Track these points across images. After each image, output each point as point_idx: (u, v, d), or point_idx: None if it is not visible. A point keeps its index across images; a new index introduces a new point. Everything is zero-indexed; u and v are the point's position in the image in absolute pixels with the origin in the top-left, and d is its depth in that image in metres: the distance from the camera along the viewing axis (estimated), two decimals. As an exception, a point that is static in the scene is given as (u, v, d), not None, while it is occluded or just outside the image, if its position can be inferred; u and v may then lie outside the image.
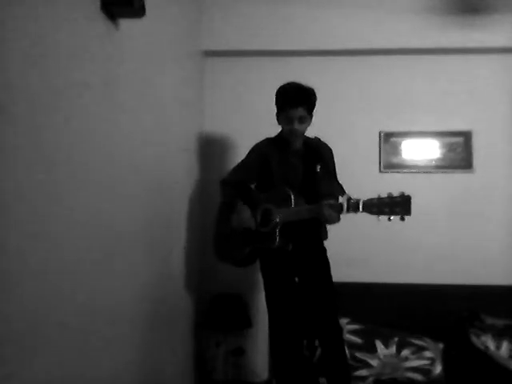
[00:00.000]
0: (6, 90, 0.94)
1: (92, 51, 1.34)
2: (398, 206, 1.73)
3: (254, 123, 2.93)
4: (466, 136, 2.86)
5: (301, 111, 2.04)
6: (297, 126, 2.05)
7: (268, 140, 2.23)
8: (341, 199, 1.85)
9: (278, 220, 2.00)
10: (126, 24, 1.53)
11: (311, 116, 2.11)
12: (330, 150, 2.20)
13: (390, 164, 2.88)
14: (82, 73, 1.28)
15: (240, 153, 2.95)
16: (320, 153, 2.16)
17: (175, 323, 2.35)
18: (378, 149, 2.90)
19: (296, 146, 2.15)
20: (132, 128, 1.68)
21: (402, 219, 1.73)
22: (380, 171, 2.89)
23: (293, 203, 1.99)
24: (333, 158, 2.20)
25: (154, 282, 1.97)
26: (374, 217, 1.79)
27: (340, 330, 2.13)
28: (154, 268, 1.98)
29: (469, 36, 2.74)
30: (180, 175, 2.46)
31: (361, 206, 1.80)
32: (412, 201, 1.72)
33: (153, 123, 1.95)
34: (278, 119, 2.15)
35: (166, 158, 2.16)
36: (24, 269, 1.00)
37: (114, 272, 1.52)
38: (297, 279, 2.14)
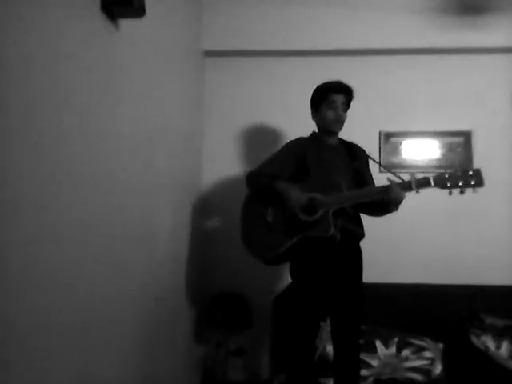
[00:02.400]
0: (6, 89, 0.94)
1: (92, 51, 1.34)
2: (472, 177, 1.74)
3: (254, 123, 2.94)
4: (466, 136, 2.86)
5: (343, 98, 2.06)
6: (341, 112, 2.05)
7: (302, 137, 2.18)
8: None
9: (330, 205, 1.90)
10: (126, 24, 1.54)
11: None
12: (365, 152, 2.19)
13: (390, 164, 2.87)
14: (82, 72, 1.28)
15: (240, 152, 2.96)
16: (358, 151, 2.16)
17: (176, 323, 2.35)
18: (378, 149, 2.90)
19: (333, 141, 2.13)
20: (132, 128, 1.68)
21: (475, 191, 1.75)
22: (380, 171, 2.87)
23: (345, 189, 1.92)
24: (368, 160, 2.16)
25: (155, 281, 1.97)
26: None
27: (360, 335, 2.04)
28: (154, 267, 1.98)
29: (469, 36, 2.74)
30: (180, 174, 2.46)
31: (432, 181, 1.80)
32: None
33: (153, 123, 1.95)
34: (314, 116, 2.13)
35: (166, 157, 2.16)
36: (24, 269, 1.00)
37: (114, 272, 1.52)
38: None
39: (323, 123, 2.11)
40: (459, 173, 1.77)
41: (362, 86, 2.91)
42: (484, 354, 2.30)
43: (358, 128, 2.89)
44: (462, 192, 1.76)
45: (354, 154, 2.13)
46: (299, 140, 2.17)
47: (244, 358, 2.79)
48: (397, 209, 1.95)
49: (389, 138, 2.90)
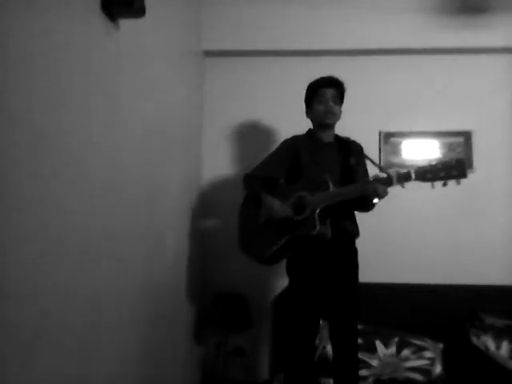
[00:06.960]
0: (7, 90, 0.94)
1: (92, 51, 1.34)
2: (454, 169, 1.70)
3: (253, 123, 2.94)
4: (466, 136, 2.86)
5: (334, 92, 2.07)
6: (332, 104, 2.06)
7: (297, 135, 2.19)
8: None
9: (316, 204, 1.90)
10: (126, 24, 1.54)
11: (340, 107, 2.12)
12: (362, 147, 2.18)
13: (390, 164, 2.88)
14: (82, 73, 1.28)
15: (240, 152, 2.97)
16: (353, 147, 2.15)
17: (176, 323, 2.35)
18: (378, 149, 2.91)
19: (327, 138, 2.13)
20: (132, 128, 1.68)
21: (458, 183, 1.69)
22: (380, 171, 2.88)
23: (331, 187, 1.91)
24: (363, 156, 2.14)
25: (155, 281, 1.97)
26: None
27: (357, 335, 2.04)
28: (155, 268, 1.98)
29: (469, 36, 2.74)
30: (180, 175, 2.46)
31: (413, 175, 1.75)
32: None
33: (153, 123, 1.95)
34: (308, 113, 2.16)
35: (166, 158, 2.16)
36: (24, 269, 1.00)
37: (115, 272, 1.52)
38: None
39: (316, 118, 2.13)
40: (440, 165, 1.73)
41: (362, 86, 2.94)
42: (484, 354, 2.30)
43: (358, 128, 2.89)
44: (444, 184, 1.70)
45: (349, 150, 2.12)
46: (294, 139, 2.18)
47: (244, 358, 2.79)
48: (385, 195, 1.88)
49: (389, 138, 2.90)
